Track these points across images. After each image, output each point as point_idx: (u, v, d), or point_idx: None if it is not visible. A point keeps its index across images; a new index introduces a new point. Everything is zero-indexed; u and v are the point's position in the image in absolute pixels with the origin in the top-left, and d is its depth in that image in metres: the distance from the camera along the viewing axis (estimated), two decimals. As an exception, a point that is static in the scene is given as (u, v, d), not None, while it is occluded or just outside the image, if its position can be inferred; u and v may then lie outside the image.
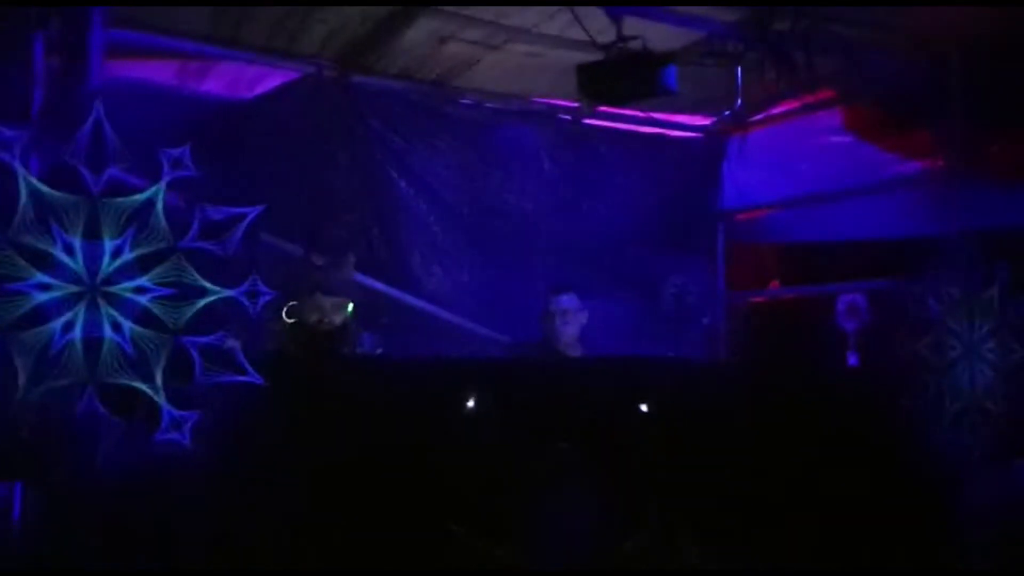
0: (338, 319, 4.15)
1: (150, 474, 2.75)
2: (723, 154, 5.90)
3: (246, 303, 2.93)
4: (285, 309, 4.16)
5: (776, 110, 5.59)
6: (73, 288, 2.75)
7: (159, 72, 4.83)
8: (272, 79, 5.04)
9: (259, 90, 5.05)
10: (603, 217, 5.67)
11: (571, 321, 4.75)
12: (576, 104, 5.48)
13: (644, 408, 3.69)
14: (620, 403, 3.66)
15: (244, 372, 2.89)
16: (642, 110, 5.48)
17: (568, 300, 4.76)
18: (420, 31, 4.56)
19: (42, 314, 2.70)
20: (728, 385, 3.99)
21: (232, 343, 2.91)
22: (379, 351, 4.34)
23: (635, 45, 4.03)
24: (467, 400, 3.41)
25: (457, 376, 3.48)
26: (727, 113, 4.55)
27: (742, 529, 3.66)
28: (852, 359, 5.68)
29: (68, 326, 2.73)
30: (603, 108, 5.44)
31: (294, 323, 4.13)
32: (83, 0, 3.50)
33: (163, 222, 2.86)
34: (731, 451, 3.71)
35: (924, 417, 4.08)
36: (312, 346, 4.10)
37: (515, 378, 3.67)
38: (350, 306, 4.19)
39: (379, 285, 5.10)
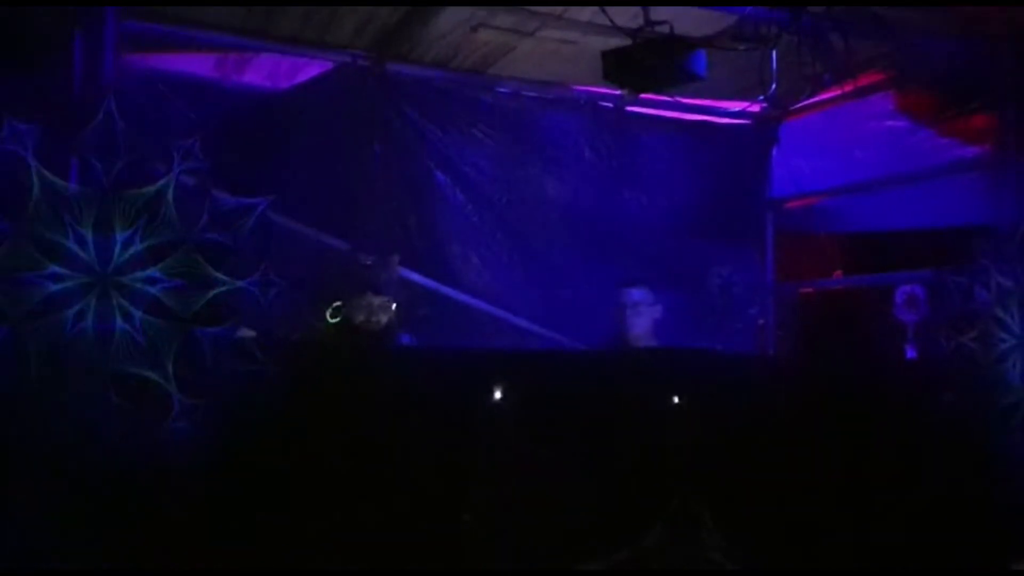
0: (384, 319, 4.22)
1: (162, 464, 2.83)
2: (772, 141, 5.83)
3: (257, 293, 3.01)
4: (331, 309, 4.24)
5: (826, 95, 5.50)
6: (85, 278, 2.85)
7: (198, 64, 4.96)
8: (310, 69, 5.13)
9: (297, 80, 5.15)
10: (646, 207, 5.66)
11: (643, 313, 4.82)
12: (618, 92, 5.46)
13: (676, 401, 3.69)
14: (651, 397, 3.66)
15: (256, 361, 2.97)
16: (687, 96, 5.43)
17: (638, 293, 4.83)
18: (449, 19, 4.60)
19: (55, 304, 2.81)
20: (767, 379, 3.96)
21: (245, 332, 2.99)
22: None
23: (662, 30, 4.01)
24: (496, 393, 3.44)
25: (487, 369, 3.50)
26: (761, 99, 4.47)
27: (774, 528, 3.63)
28: (910, 352, 5.57)
29: (80, 315, 2.84)
30: (646, 95, 5.41)
31: (339, 322, 4.21)
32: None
33: (174, 213, 2.95)
34: (768, 446, 3.68)
35: (970, 413, 4.00)
36: (357, 344, 4.17)
37: (546, 371, 3.68)
38: (394, 306, 4.27)
39: (417, 277, 5.17)
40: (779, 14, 4.12)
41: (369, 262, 4.53)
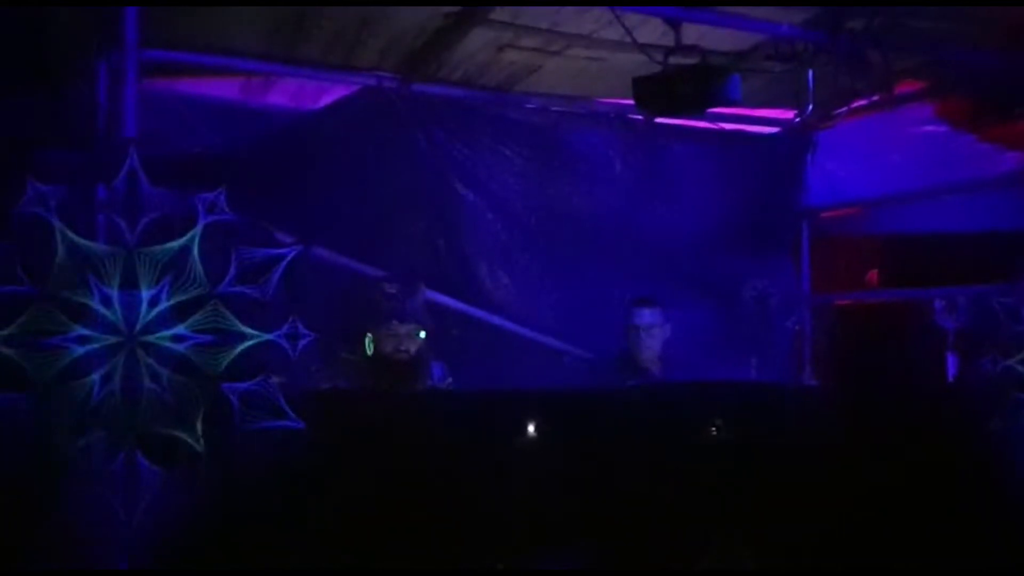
0: (413, 348, 4.17)
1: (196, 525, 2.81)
2: (806, 150, 5.72)
3: (286, 346, 2.97)
4: (366, 340, 4.18)
5: (862, 102, 5.39)
6: (111, 339, 2.83)
7: (222, 88, 4.93)
8: (335, 91, 5.09)
9: (321, 102, 5.11)
10: (679, 220, 5.57)
11: (655, 335, 4.74)
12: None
13: (714, 434, 3.63)
14: (689, 432, 3.60)
15: (285, 416, 2.94)
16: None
17: (651, 315, 4.73)
18: (476, 41, 4.53)
19: (81, 367, 2.79)
20: (807, 410, 3.89)
21: (274, 383, 2.95)
22: (448, 381, 4.33)
23: (694, 52, 3.92)
24: (529, 433, 3.40)
25: (520, 409, 3.45)
26: (797, 120, 4.38)
27: (816, 565, 3.57)
28: (951, 363, 5.47)
29: (107, 378, 2.81)
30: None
31: (371, 355, 4.16)
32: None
33: (199, 268, 2.91)
34: (809, 481, 3.62)
35: (1020, 441, 3.90)
36: (391, 378, 4.13)
37: (582, 409, 3.63)
38: (423, 333, 4.22)
39: (447, 300, 5.11)
40: (815, 33, 4.03)
41: (394, 291, 4.47)
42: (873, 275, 6.01)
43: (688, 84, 3.71)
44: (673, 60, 4.07)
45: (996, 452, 3.85)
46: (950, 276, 5.37)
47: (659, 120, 5.54)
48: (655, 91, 3.87)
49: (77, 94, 4.07)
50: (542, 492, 3.35)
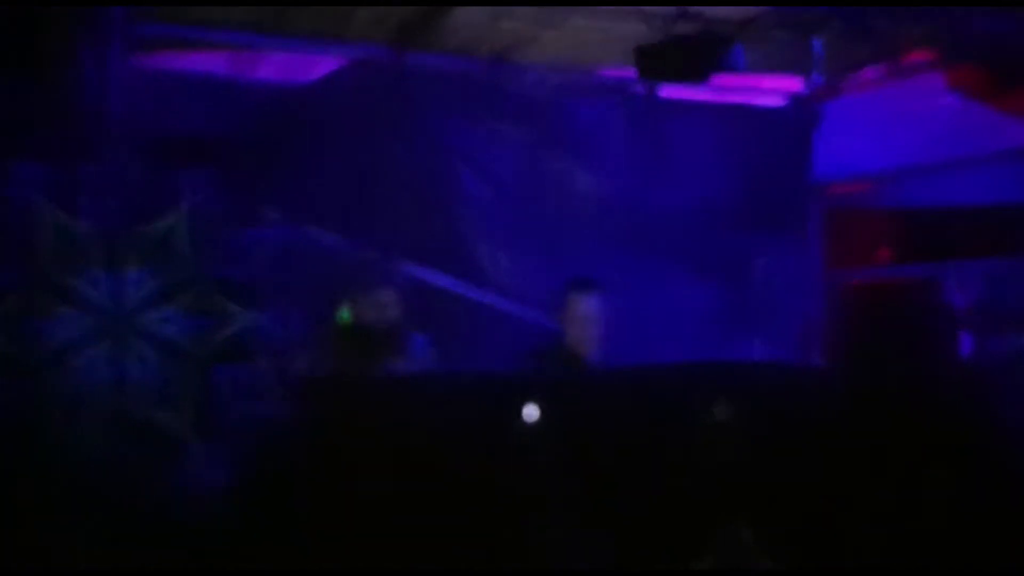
0: (394, 313, 4.21)
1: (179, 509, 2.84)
2: (813, 123, 5.72)
3: (276, 327, 3.01)
4: (342, 311, 4.23)
5: (870, 74, 5.39)
6: (99, 321, 2.86)
7: (211, 63, 4.95)
8: (326, 64, 5.10)
9: (312, 75, 5.12)
10: (682, 196, 5.57)
11: (599, 324, 4.39)
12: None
13: (716, 418, 3.66)
14: (693, 414, 3.63)
15: (275, 399, 2.97)
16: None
17: (598, 302, 4.38)
18: (470, 11, 4.54)
19: (69, 350, 2.83)
20: (816, 391, 3.91)
21: (262, 368, 2.99)
22: (430, 351, 4.36)
23: (697, 20, 3.93)
24: (530, 417, 3.42)
25: (520, 392, 3.48)
26: (803, 93, 4.38)
27: (824, 550, 3.60)
28: (964, 340, 5.49)
29: (95, 361, 2.85)
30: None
31: (350, 327, 4.20)
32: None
33: (188, 248, 2.95)
34: (818, 464, 3.64)
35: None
36: (371, 351, 4.16)
37: (574, 392, 3.66)
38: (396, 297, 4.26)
39: (440, 276, 5.14)
40: None
41: (371, 258, 4.52)
42: (884, 251, 6.02)
43: (690, 53, 3.71)
44: (676, 30, 4.07)
45: (1011, 431, 3.88)
46: (963, 251, 5.38)
47: (662, 94, 5.55)
48: (657, 59, 3.90)
49: (63, 73, 4.08)
50: (540, 479, 3.37)
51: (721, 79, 5.26)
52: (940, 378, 4.32)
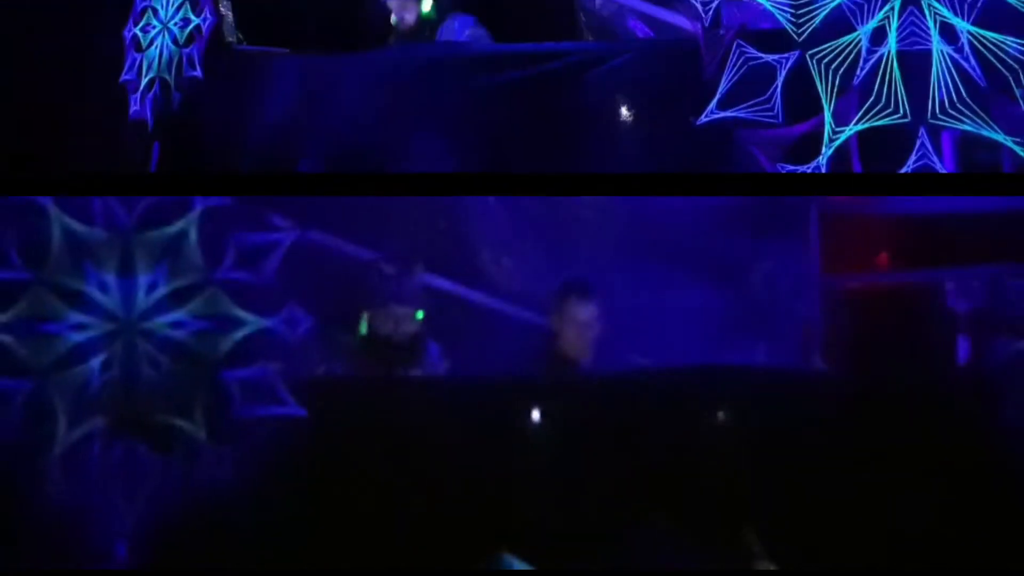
0: (411, 329, 4.26)
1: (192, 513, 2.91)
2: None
3: (285, 331, 3.07)
4: (361, 323, 4.28)
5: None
6: (109, 326, 2.93)
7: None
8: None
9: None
10: (683, 200, 5.62)
11: (594, 327, 4.37)
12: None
13: (719, 421, 3.72)
14: (693, 419, 3.69)
15: (285, 403, 3.04)
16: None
17: (593, 307, 4.38)
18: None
19: (80, 354, 2.89)
20: (816, 396, 3.96)
21: (273, 370, 3.05)
22: (443, 363, 4.42)
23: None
24: (532, 420, 3.49)
25: (521, 395, 3.54)
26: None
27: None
28: (964, 344, 5.56)
29: (106, 365, 2.92)
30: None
31: (367, 337, 4.25)
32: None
33: (197, 253, 3.01)
34: (819, 468, 3.70)
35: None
36: (388, 361, 4.22)
37: (580, 394, 3.72)
38: (420, 314, 4.31)
39: (446, 284, 5.19)
40: None
41: (391, 272, 4.56)
42: (884, 256, 6.09)
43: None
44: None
45: (1012, 437, 3.93)
46: (964, 256, 5.43)
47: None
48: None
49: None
50: (545, 483, 3.43)
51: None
52: (940, 383, 4.38)
